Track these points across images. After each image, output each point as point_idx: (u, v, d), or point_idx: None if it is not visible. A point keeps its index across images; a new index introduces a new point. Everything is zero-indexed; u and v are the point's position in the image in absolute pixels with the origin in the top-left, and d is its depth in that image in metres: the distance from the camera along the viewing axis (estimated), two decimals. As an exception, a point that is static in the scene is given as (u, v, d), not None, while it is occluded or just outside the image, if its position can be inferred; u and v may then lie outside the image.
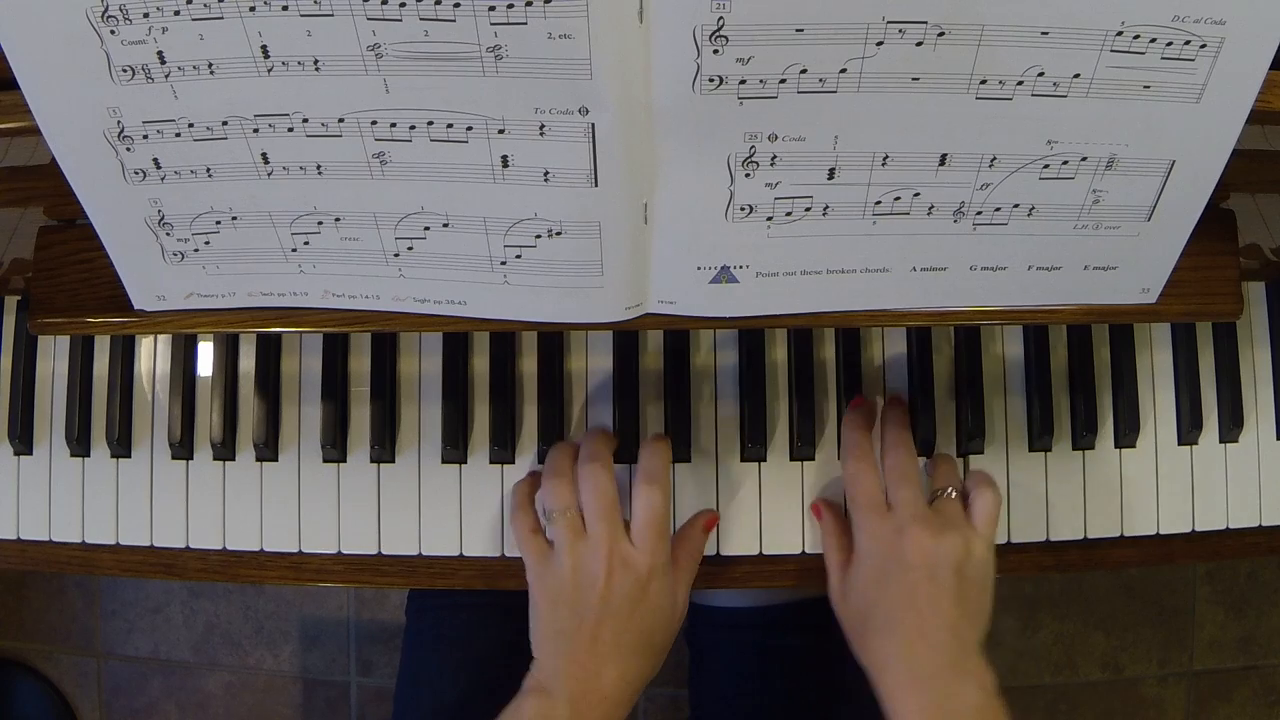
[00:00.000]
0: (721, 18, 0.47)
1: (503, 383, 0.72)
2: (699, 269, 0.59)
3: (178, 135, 0.53)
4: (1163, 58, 0.50)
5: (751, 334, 0.72)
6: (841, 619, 0.66)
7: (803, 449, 0.72)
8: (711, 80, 0.50)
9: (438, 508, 0.73)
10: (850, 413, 0.70)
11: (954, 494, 0.65)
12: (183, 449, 0.74)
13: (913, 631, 0.60)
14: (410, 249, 0.58)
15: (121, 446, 0.74)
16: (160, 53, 0.50)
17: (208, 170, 0.55)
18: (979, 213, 0.57)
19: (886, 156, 0.54)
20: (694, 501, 0.72)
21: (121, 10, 0.48)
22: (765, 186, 0.55)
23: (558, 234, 0.56)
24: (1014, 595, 1.49)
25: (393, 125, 0.52)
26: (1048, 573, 0.74)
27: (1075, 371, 0.73)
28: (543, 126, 0.52)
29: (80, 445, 0.74)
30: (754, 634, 0.86)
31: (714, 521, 0.70)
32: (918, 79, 0.50)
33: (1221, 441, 0.74)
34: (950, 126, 0.53)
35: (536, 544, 0.65)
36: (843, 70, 0.50)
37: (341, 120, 0.53)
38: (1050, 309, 0.62)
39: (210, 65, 0.50)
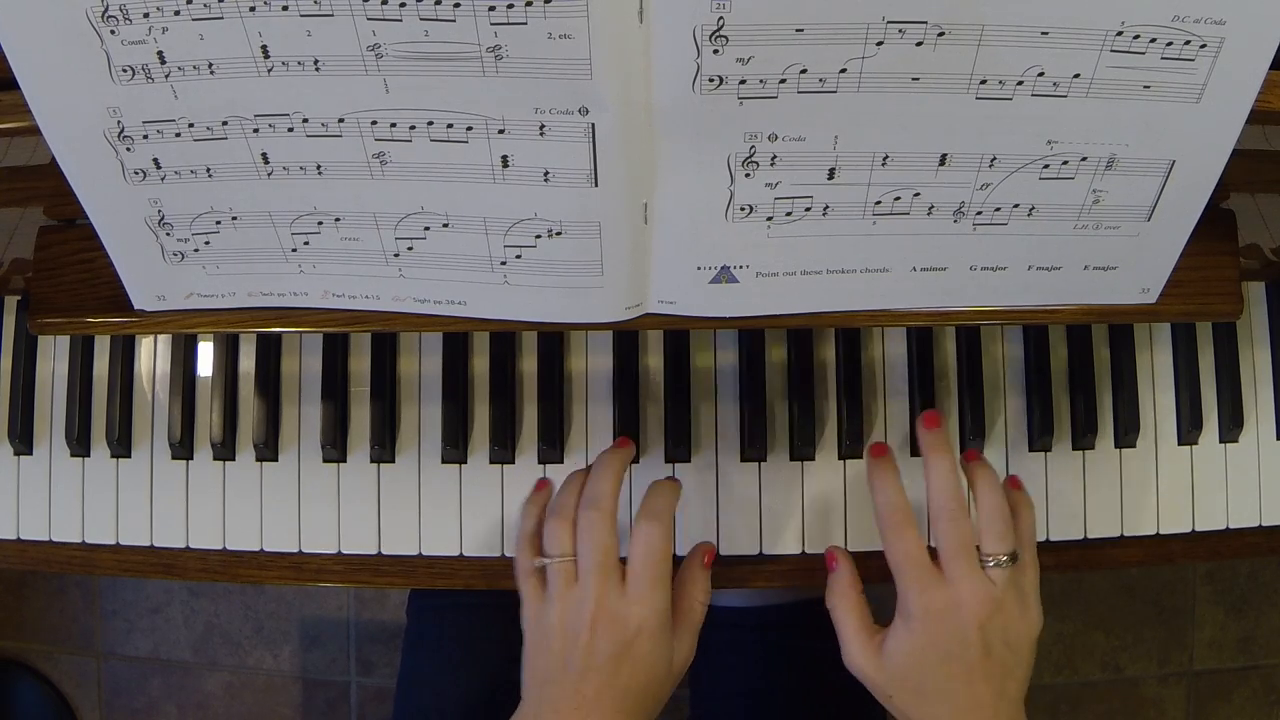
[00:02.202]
0: (721, 18, 0.47)
1: (503, 383, 0.72)
2: (699, 269, 0.59)
3: (178, 135, 0.53)
4: (1163, 58, 0.50)
5: (751, 334, 0.72)
6: (878, 682, 0.63)
7: (803, 449, 0.72)
8: (711, 80, 0.50)
9: (438, 508, 0.73)
10: (874, 464, 0.65)
11: (1005, 562, 0.62)
12: (183, 449, 0.74)
13: (967, 702, 0.60)
14: (410, 249, 0.58)
15: (121, 446, 0.74)
16: (160, 53, 0.50)
17: (208, 170, 0.55)
18: (979, 213, 0.57)
19: (886, 156, 0.54)
20: (694, 501, 0.72)
21: (121, 10, 0.48)
22: (765, 186, 0.55)
23: (558, 234, 0.56)
24: (1014, 595, 1.49)
25: (393, 125, 0.52)
26: (1048, 573, 0.74)
27: (1075, 371, 0.73)
28: (543, 126, 0.52)
29: (80, 445, 0.74)
30: (756, 634, 0.86)
31: (713, 554, 0.67)
32: (918, 79, 0.50)
33: (1221, 441, 0.74)
34: (950, 126, 0.53)
35: (532, 585, 0.63)
36: (843, 70, 0.50)
37: (341, 120, 0.53)
38: (1050, 309, 0.62)
39: (210, 65, 0.50)
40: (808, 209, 0.57)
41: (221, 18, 0.48)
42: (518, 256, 0.58)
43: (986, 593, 0.61)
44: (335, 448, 0.73)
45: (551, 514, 0.64)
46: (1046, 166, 0.55)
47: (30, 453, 0.75)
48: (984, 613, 0.60)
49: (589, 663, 0.60)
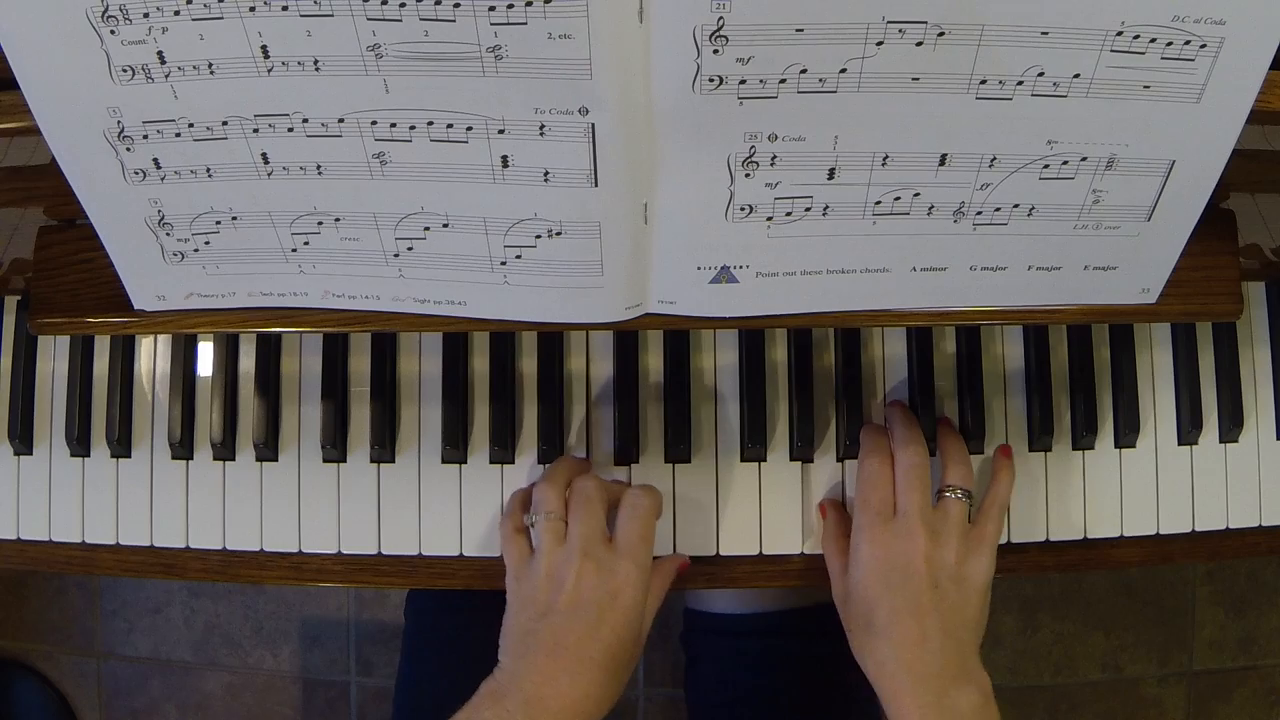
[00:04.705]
0: (721, 18, 0.47)
1: (503, 383, 0.72)
2: (699, 269, 0.59)
3: (178, 135, 0.53)
4: (1163, 58, 0.50)
5: (751, 334, 0.72)
6: (844, 619, 0.67)
7: (803, 449, 0.72)
8: (711, 80, 0.50)
9: (438, 507, 0.73)
10: (866, 425, 0.71)
11: (961, 496, 0.65)
12: (183, 449, 0.74)
13: (914, 636, 0.61)
14: (410, 249, 0.58)
15: (121, 446, 0.74)
16: (160, 53, 0.50)
17: (208, 170, 0.55)
18: (979, 213, 0.57)
19: (886, 156, 0.54)
20: (695, 501, 0.72)
21: (121, 10, 0.48)
22: (765, 186, 0.55)
23: (558, 234, 0.56)
24: (1014, 595, 1.49)
25: (393, 125, 0.52)
26: (1048, 573, 0.74)
27: (1075, 371, 0.73)
28: (543, 126, 0.52)
29: (80, 445, 0.74)
30: (754, 640, 0.86)
31: (686, 566, 0.70)
32: (918, 79, 0.50)
33: (1221, 441, 0.74)
34: (950, 126, 0.53)
35: (518, 544, 0.66)
36: (843, 70, 0.50)
37: (341, 120, 0.53)
38: (1050, 309, 0.62)
39: (210, 65, 0.50)
40: (808, 209, 0.57)
41: (221, 18, 0.48)
42: (518, 257, 0.58)
43: (935, 527, 0.63)
44: (335, 448, 0.73)
45: (544, 479, 0.67)
46: (1046, 166, 0.55)
47: (30, 453, 0.75)
48: (930, 544, 0.63)
49: (572, 613, 0.61)
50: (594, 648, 0.61)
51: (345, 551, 0.73)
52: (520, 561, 0.65)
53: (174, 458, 0.74)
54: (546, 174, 0.54)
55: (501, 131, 0.52)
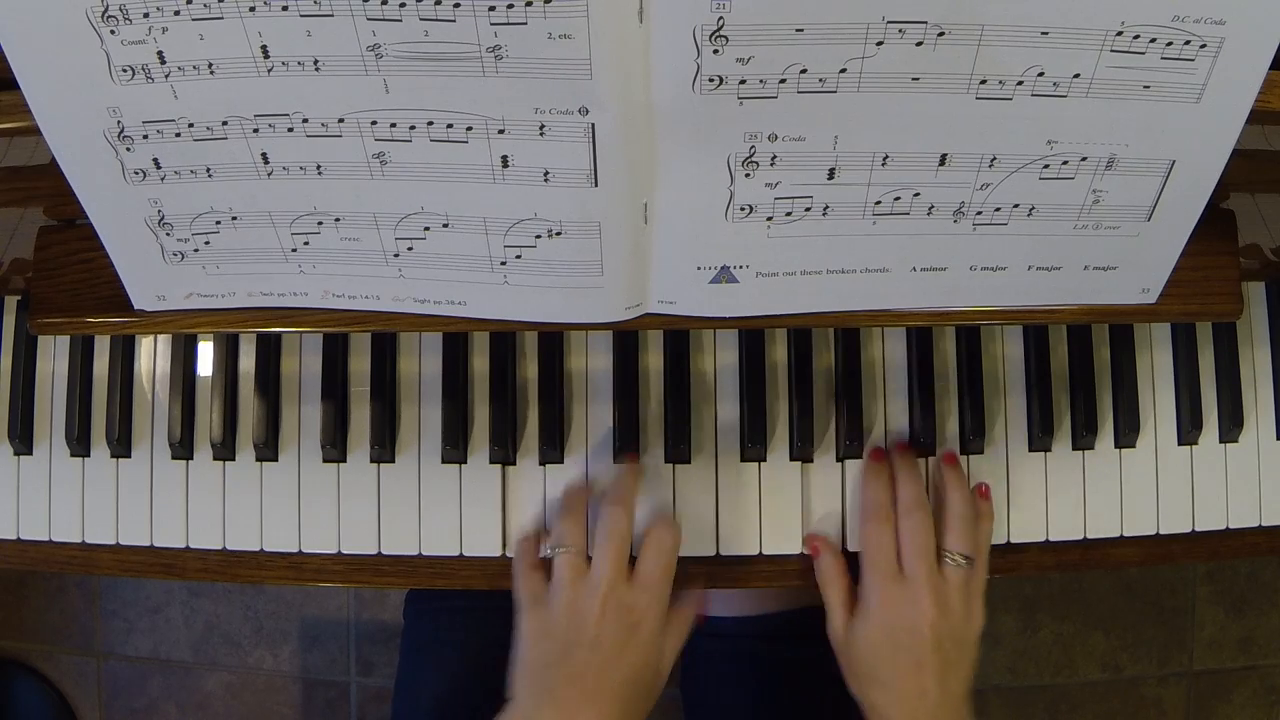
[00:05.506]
0: (721, 18, 0.47)
1: (503, 383, 0.72)
2: (699, 269, 0.59)
3: (178, 135, 0.53)
4: (1163, 58, 0.50)
5: (751, 334, 0.72)
6: (843, 661, 0.69)
7: (803, 449, 0.72)
8: (711, 80, 0.50)
9: (438, 508, 0.73)
10: (870, 465, 0.71)
11: (963, 562, 0.67)
12: (183, 449, 0.74)
13: (913, 692, 0.65)
14: (410, 249, 0.58)
15: (121, 446, 0.74)
16: (160, 53, 0.50)
17: (208, 170, 0.55)
18: (979, 213, 0.57)
19: (886, 156, 0.54)
20: (694, 501, 0.72)
21: (121, 10, 0.48)
22: (765, 186, 0.55)
23: (558, 234, 0.56)
24: (1014, 595, 1.49)
25: (393, 125, 0.52)
26: (1048, 573, 0.74)
27: (1075, 371, 0.73)
28: (543, 126, 0.52)
29: (80, 445, 0.74)
30: (752, 644, 0.86)
31: (702, 611, 0.72)
32: (918, 79, 0.50)
33: (1221, 441, 0.74)
34: (950, 126, 0.53)
35: (534, 578, 0.67)
36: (843, 70, 0.50)
37: (341, 120, 0.53)
38: (1050, 309, 0.62)
39: (210, 65, 0.50)
40: (808, 209, 0.57)
41: (221, 18, 0.48)
42: (518, 257, 0.58)
43: (941, 593, 0.66)
44: (335, 448, 0.73)
45: (562, 512, 0.68)
46: (1046, 166, 0.55)
47: (30, 453, 0.75)
48: (936, 612, 0.65)
49: (594, 646, 0.62)
50: (614, 677, 0.62)
51: (345, 551, 0.73)
52: (535, 595, 0.66)
53: (174, 458, 0.74)
54: (546, 174, 0.54)
55: (501, 131, 0.52)
